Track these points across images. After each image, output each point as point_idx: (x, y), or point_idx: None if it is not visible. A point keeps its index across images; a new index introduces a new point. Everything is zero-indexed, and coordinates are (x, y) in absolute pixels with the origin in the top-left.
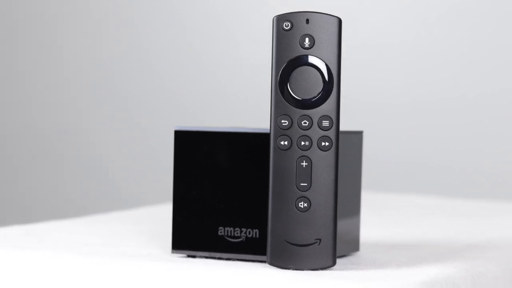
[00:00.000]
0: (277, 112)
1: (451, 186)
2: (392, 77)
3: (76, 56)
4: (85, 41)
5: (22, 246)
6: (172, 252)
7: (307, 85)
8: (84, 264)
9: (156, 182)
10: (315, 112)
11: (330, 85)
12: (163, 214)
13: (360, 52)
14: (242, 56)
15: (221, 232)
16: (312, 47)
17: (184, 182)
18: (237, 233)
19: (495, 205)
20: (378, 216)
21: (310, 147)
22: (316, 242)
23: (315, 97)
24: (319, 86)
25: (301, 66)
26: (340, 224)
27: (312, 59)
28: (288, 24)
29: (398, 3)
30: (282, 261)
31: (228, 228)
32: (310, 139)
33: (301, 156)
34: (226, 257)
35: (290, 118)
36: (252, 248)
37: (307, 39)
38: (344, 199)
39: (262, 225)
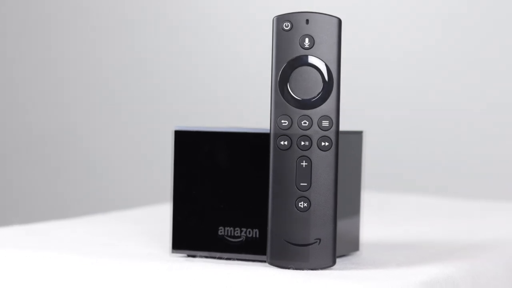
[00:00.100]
0: (277, 112)
1: (451, 186)
2: (392, 77)
3: (75, 57)
4: (85, 41)
5: (23, 246)
6: (172, 252)
7: (307, 85)
8: (84, 264)
9: (156, 182)
10: (315, 112)
11: (330, 85)
12: (163, 214)
13: (360, 52)
14: (242, 56)
15: (221, 232)
16: (312, 47)
17: (184, 182)
18: (237, 233)
19: (495, 205)
20: (378, 216)
21: (310, 147)
22: (316, 242)
23: (315, 97)
24: (319, 86)
25: (301, 66)
26: (340, 224)
27: (312, 59)
28: (288, 25)
29: (398, 4)
30: (282, 261)
31: (228, 228)
32: (310, 139)
33: (301, 156)
34: (226, 257)
35: (290, 118)
36: (252, 248)
37: (307, 39)
38: (344, 199)
39: (262, 225)
